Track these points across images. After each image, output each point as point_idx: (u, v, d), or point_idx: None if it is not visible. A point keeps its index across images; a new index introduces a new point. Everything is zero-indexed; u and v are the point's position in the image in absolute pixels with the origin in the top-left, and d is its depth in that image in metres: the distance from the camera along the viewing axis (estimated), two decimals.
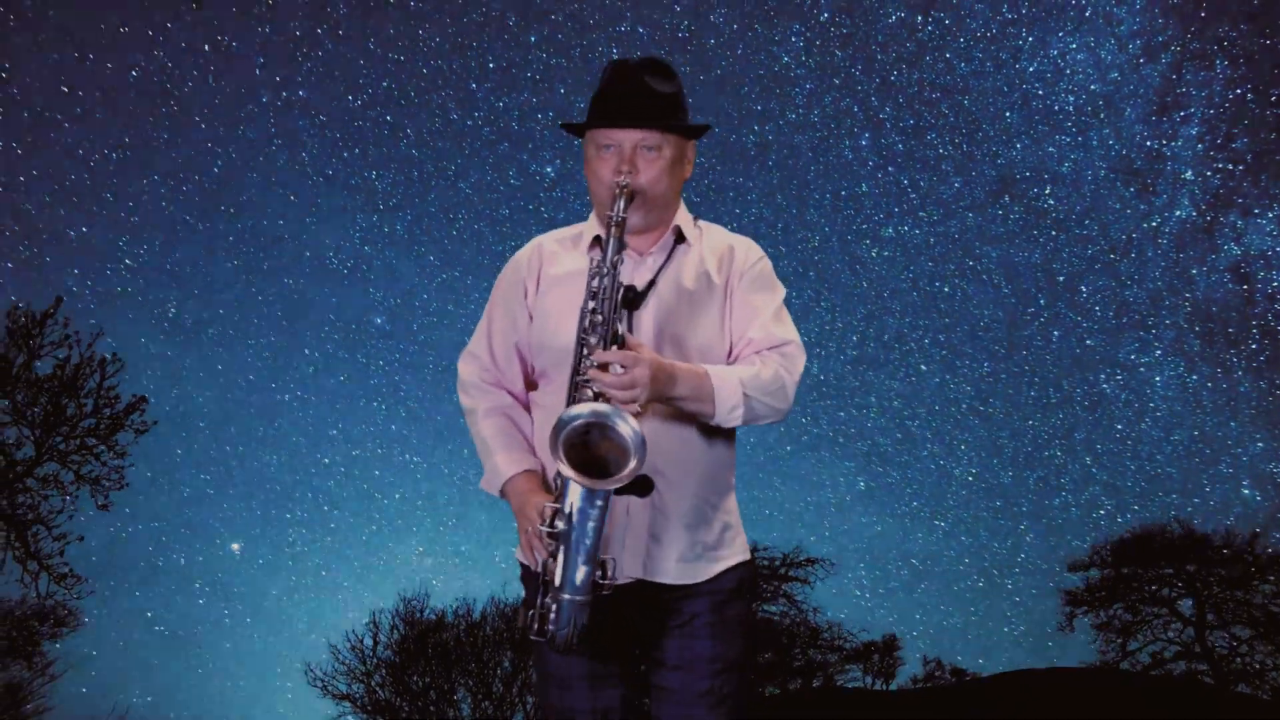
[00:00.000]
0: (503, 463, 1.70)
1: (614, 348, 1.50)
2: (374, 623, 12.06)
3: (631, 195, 1.60)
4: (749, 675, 1.71)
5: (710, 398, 1.60)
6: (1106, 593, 13.96)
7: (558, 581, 1.49)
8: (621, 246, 1.56)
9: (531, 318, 1.76)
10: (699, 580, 1.66)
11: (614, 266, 1.54)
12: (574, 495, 1.45)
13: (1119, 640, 13.73)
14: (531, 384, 1.82)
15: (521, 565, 1.77)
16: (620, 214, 1.56)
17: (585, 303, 1.55)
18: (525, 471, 1.69)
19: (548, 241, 1.82)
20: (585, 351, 1.53)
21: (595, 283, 1.55)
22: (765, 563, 12.43)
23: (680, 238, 1.76)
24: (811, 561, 12.52)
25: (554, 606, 1.51)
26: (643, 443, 1.41)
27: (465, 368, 1.84)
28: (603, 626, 1.54)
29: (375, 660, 11.90)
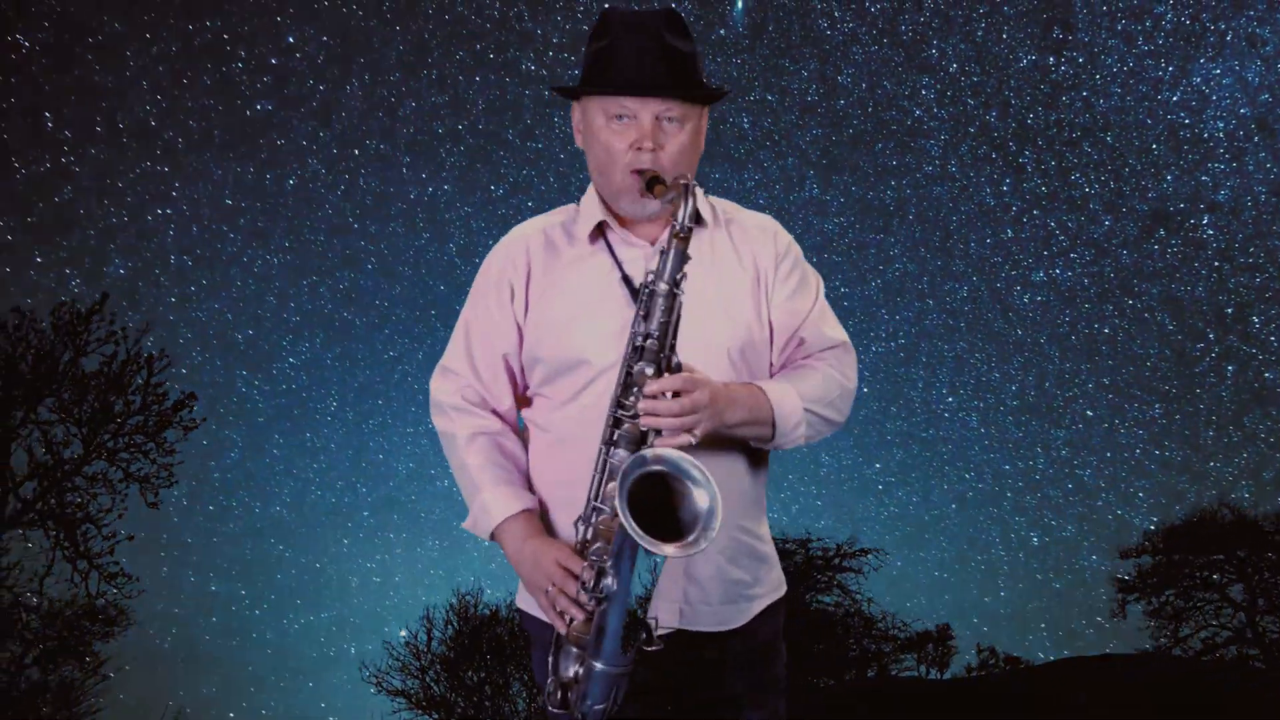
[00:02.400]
0: (493, 501, 1.47)
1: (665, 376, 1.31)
2: (428, 618, 12.00)
3: (688, 192, 1.34)
4: None
5: (769, 420, 1.41)
6: (1158, 579, 13.94)
7: (592, 649, 1.29)
8: (684, 260, 1.34)
9: (520, 326, 1.53)
10: (737, 625, 1.49)
11: (675, 284, 1.33)
12: (622, 552, 1.24)
13: (1171, 626, 13.73)
14: (522, 400, 1.60)
15: (522, 613, 1.57)
16: (685, 224, 1.32)
17: (635, 324, 1.34)
18: (524, 512, 1.47)
19: (533, 235, 1.57)
20: (630, 380, 1.32)
21: (650, 301, 1.33)
22: (819, 553, 12.37)
23: (698, 219, 1.52)
24: (865, 552, 12.49)
25: (587, 678, 1.31)
26: (716, 508, 1.21)
27: (440, 385, 1.59)
28: (639, 691, 1.36)
29: (430, 656, 11.84)
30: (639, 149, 1.41)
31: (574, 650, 1.34)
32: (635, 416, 1.30)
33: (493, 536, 1.48)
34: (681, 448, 1.26)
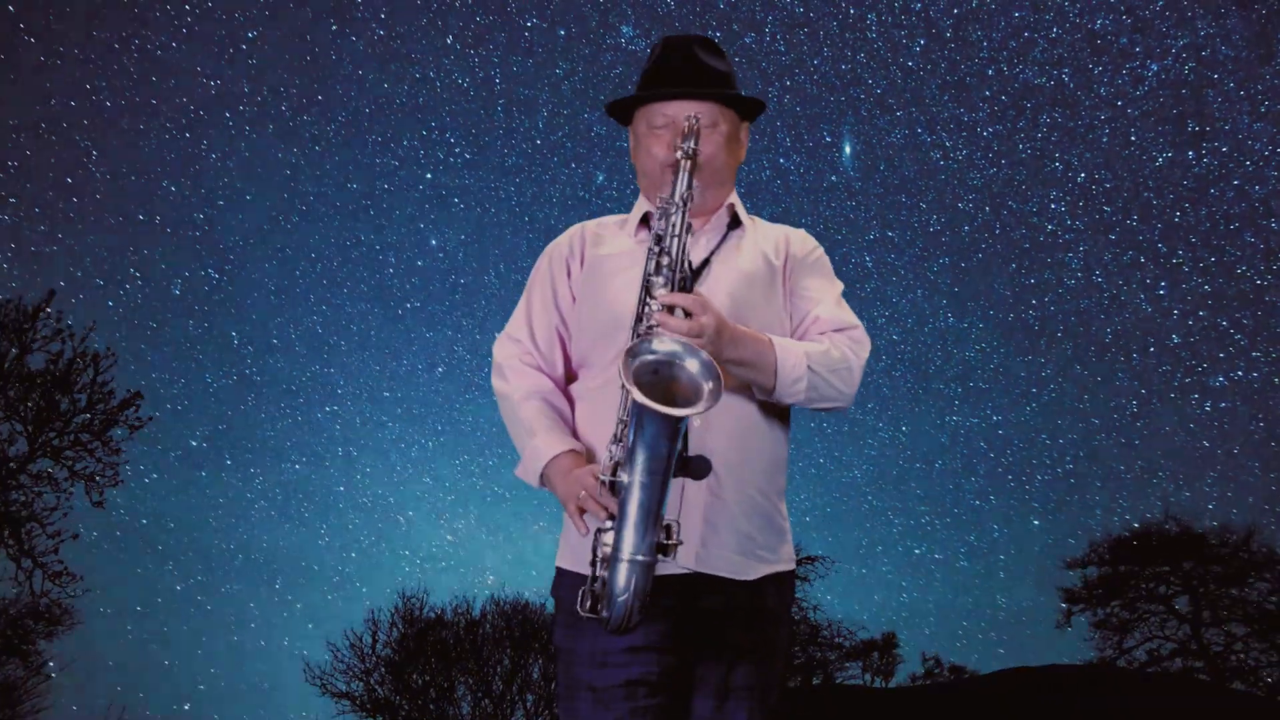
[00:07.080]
0: (544, 444, 1.56)
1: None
2: (373, 621, 12.00)
3: (695, 167, 1.50)
4: (778, 694, 1.61)
5: (772, 368, 1.50)
6: (1104, 590, 14.01)
7: (614, 543, 1.33)
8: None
9: (574, 298, 1.68)
10: (747, 578, 1.53)
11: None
12: (639, 441, 1.29)
13: (1116, 638, 13.81)
14: (571, 375, 1.71)
15: (559, 572, 1.61)
16: (686, 190, 1.47)
17: (646, 267, 1.45)
18: (570, 452, 1.55)
19: (590, 225, 1.75)
20: (647, 305, 1.42)
21: (663, 220, 1.47)
22: None
23: (735, 220, 1.69)
24: (811, 560, 12.54)
25: (610, 576, 1.32)
26: (717, 374, 1.28)
27: (501, 350, 1.72)
28: (658, 608, 1.39)
29: (375, 658, 11.85)
30: (675, 146, 1.54)
31: (601, 556, 1.38)
32: (651, 329, 1.39)
33: (542, 480, 1.56)
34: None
